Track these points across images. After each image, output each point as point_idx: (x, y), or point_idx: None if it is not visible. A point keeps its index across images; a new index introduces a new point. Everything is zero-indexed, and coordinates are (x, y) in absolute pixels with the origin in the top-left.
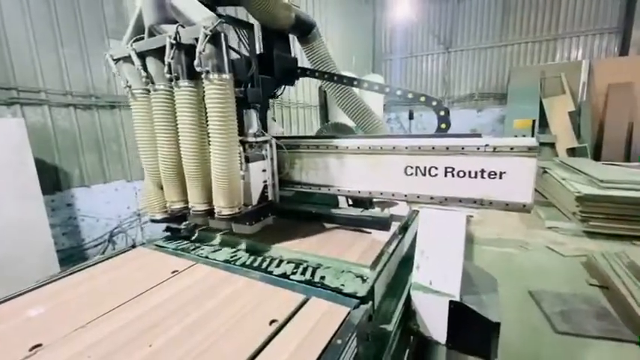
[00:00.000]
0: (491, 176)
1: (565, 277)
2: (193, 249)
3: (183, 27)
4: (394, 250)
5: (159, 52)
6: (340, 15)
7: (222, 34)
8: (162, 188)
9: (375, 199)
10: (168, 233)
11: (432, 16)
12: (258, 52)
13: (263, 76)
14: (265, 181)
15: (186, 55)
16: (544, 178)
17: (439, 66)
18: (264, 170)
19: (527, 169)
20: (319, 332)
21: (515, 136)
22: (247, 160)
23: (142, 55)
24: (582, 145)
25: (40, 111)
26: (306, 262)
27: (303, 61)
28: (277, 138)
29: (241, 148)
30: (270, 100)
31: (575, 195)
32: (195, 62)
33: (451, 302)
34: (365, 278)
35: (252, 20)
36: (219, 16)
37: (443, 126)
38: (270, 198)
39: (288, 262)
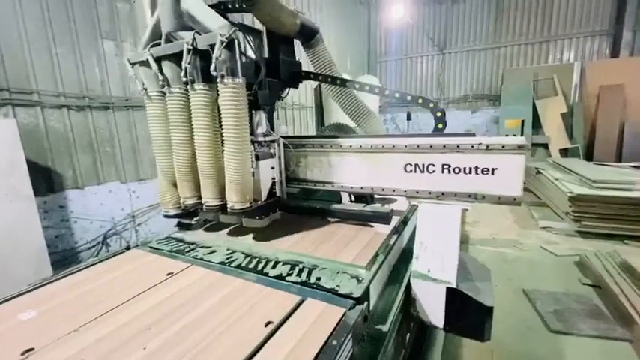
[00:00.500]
0: (484, 172)
1: (558, 277)
2: (188, 251)
3: (199, 34)
4: (391, 249)
5: (175, 57)
6: (335, 16)
7: (236, 41)
8: (175, 185)
9: (376, 195)
10: (165, 236)
11: (427, 18)
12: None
13: (270, 79)
14: (273, 178)
15: (201, 60)
16: (537, 179)
17: (434, 67)
18: (272, 168)
19: (517, 165)
20: (315, 333)
21: (507, 135)
22: (257, 158)
23: (158, 60)
24: (574, 146)
25: (33, 112)
26: (301, 263)
27: (302, 64)
28: (284, 137)
29: (252, 147)
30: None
31: (567, 195)
32: (212, 67)
33: (448, 289)
34: (360, 279)
35: (257, 25)
36: (232, 23)
37: (440, 126)
38: (277, 194)
39: (283, 264)
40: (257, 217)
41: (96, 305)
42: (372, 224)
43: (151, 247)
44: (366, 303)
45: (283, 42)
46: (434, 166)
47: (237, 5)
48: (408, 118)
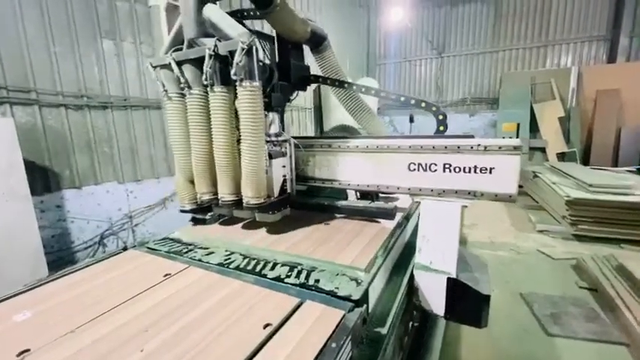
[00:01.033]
0: (483, 171)
1: (555, 280)
2: (186, 252)
3: (220, 40)
4: (390, 252)
5: (196, 61)
6: (335, 18)
7: (255, 48)
8: (191, 182)
9: (381, 193)
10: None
11: (426, 21)
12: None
13: (281, 82)
14: (285, 176)
15: (221, 64)
16: (535, 182)
17: (432, 70)
18: (283, 166)
19: (513, 165)
20: (314, 336)
21: (503, 137)
22: (270, 156)
23: (179, 64)
24: (571, 150)
25: (31, 111)
26: (300, 264)
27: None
28: (294, 138)
29: (266, 146)
30: None
31: (564, 199)
32: (232, 71)
33: (449, 279)
34: (359, 281)
35: (266, 30)
36: (249, 30)
37: (441, 128)
38: (288, 191)
39: (282, 265)
40: (270, 212)
41: (92, 306)
42: (378, 220)
43: (149, 248)
44: (365, 305)
45: (294, 47)
46: (436, 165)
47: (252, 13)
48: (411, 120)
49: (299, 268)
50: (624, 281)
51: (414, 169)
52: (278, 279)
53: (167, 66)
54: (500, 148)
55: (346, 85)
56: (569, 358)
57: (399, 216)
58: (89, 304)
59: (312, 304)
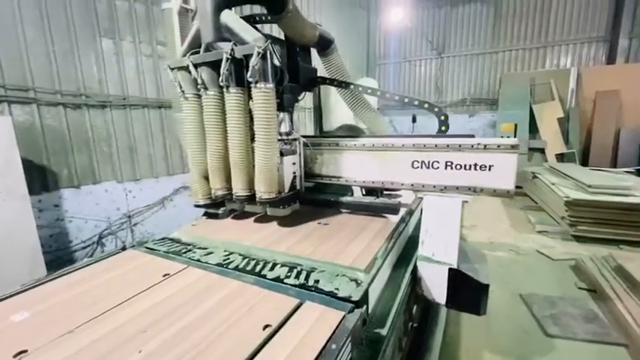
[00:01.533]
0: (482, 168)
1: (554, 281)
2: (185, 252)
3: (236, 45)
4: (389, 252)
5: (212, 64)
6: (334, 19)
7: (269, 52)
8: (205, 178)
9: (385, 190)
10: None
11: (426, 21)
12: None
13: (290, 84)
14: (294, 173)
15: (236, 67)
16: (534, 183)
17: (432, 71)
18: (294, 163)
19: (510, 162)
20: (314, 337)
21: (502, 137)
22: (281, 154)
23: (195, 66)
24: (571, 151)
25: (29, 109)
26: (300, 265)
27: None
28: (303, 137)
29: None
30: None
31: (564, 200)
32: (248, 74)
33: (450, 269)
34: (359, 282)
35: (275, 32)
36: (263, 34)
37: (443, 128)
38: (297, 187)
39: (281, 266)
40: (281, 206)
41: (91, 307)
42: (383, 215)
43: (147, 248)
44: (365, 306)
45: (302, 50)
46: (438, 162)
47: (264, 18)
48: (414, 120)
49: (299, 268)
50: (623, 282)
51: (418, 167)
52: (277, 279)
53: (184, 68)
54: (498, 146)
55: (352, 87)
56: (568, 359)
57: (402, 211)
58: (87, 305)
59: (312, 305)
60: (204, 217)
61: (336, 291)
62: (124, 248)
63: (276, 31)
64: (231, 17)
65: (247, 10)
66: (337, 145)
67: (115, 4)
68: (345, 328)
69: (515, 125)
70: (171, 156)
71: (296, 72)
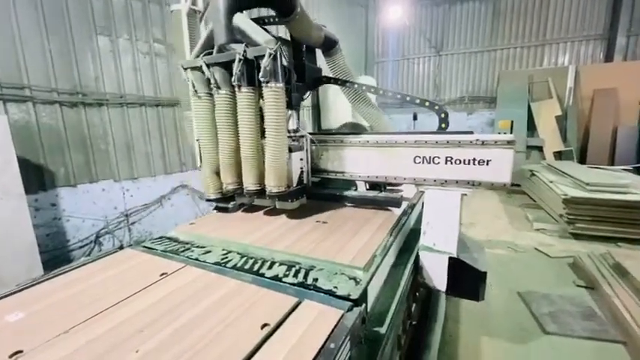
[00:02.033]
0: (480, 163)
1: (553, 278)
2: (183, 250)
3: (248, 46)
4: (388, 250)
5: (224, 65)
6: (333, 17)
7: (279, 53)
8: (216, 174)
9: (388, 184)
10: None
11: (424, 19)
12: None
13: (297, 83)
14: (302, 168)
15: (248, 67)
16: (532, 181)
17: (430, 69)
18: (301, 159)
19: (507, 157)
20: (312, 336)
21: (499, 133)
22: (290, 150)
23: (208, 66)
24: (568, 149)
25: (25, 108)
26: (298, 263)
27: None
28: (310, 134)
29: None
30: None
31: (561, 197)
32: (260, 74)
33: (450, 258)
34: (358, 280)
35: (281, 33)
36: (273, 36)
37: (443, 125)
38: (304, 182)
39: (280, 264)
40: (289, 200)
41: (87, 306)
42: (387, 208)
43: (145, 247)
44: (363, 305)
45: (308, 51)
46: (439, 158)
47: (272, 20)
48: (415, 118)
49: (297, 267)
50: (621, 279)
51: (419, 162)
52: (276, 278)
53: (197, 68)
54: (496, 142)
55: (356, 86)
56: (566, 357)
57: (404, 204)
58: (84, 304)
59: (311, 304)
60: (214, 211)
61: (334, 289)
62: (121, 247)
63: (281, 31)
64: (243, 20)
65: (255, 11)
66: (342, 142)
67: (111, 2)
68: (344, 327)
69: (512, 122)
70: (169, 154)
71: (302, 71)
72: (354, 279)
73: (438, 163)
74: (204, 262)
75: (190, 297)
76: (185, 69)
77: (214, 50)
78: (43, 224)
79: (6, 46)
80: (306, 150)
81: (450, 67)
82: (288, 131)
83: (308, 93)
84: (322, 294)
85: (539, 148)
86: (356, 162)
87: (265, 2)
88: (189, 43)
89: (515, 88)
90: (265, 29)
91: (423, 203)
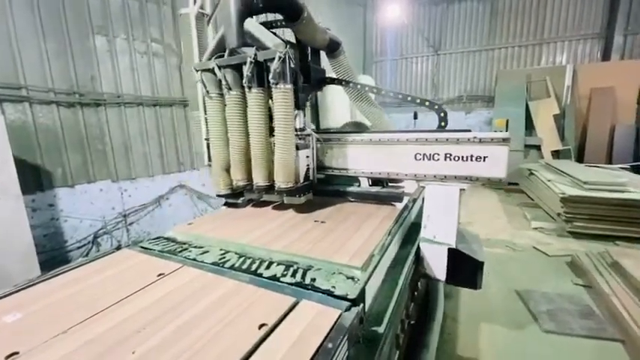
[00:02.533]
0: (478, 159)
1: (551, 277)
2: (180, 251)
3: (258, 50)
4: (386, 250)
5: (235, 67)
6: (331, 17)
7: (288, 56)
8: (226, 171)
9: (390, 181)
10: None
11: (422, 19)
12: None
13: (303, 84)
14: (308, 165)
15: (258, 70)
16: (530, 180)
17: (428, 68)
18: (307, 156)
19: (503, 153)
20: (310, 336)
21: (495, 131)
22: (297, 148)
23: (219, 68)
24: (566, 148)
25: (21, 108)
26: (296, 263)
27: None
28: (315, 132)
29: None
30: None
31: (559, 196)
32: (270, 76)
33: (449, 249)
34: (356, 280)
35: (287, 36)
36: (281, 40)
37: (442, 124)
38: (311, 178)
39: (278, 264)
40: (297, 195)
41: (84, 307)
42: (391, 202)
43: (142, 247)
44: (361, 304)
45: (313, 53)
46: (438, 155)
47: (279, 24)
48: (415, 117)
49: (295, 267)
50: (619, 278)
51: (420, 159)
52: (274, 278)
53: (210, 70)
54: (492, 140)
55: (359, 86)
56: (564, 355)
57: (406, 199)
58: (81, 305)
59: (308, 304)
60: (224, 207)
61: (332, 289)
62: (119, 248)
63: (287, 33)
64: (253, 25)
65: (263, 15)
66: (346, 140)
67: (108, 0)
68: (342, 327)
69: (507, 120)
70: (167, 154)
71: (307, 73)
72: (352, 278)
73: (438, 159)
74: (201, 262)
75: (188, 297)
76: (197, 71)
77: (226, 53)
78: (41, 225)
79: (2, 45)
80: (312, 148)
81: (448, 67)
82: (295, 130)
83: (313, 93)
84: (320, 294)
85: (537, 147)
86: (359, 159)
87: (274, 8)
88: (198, 45)
89: (513, 87)
90: (274, 33)
91: (423, 198)
